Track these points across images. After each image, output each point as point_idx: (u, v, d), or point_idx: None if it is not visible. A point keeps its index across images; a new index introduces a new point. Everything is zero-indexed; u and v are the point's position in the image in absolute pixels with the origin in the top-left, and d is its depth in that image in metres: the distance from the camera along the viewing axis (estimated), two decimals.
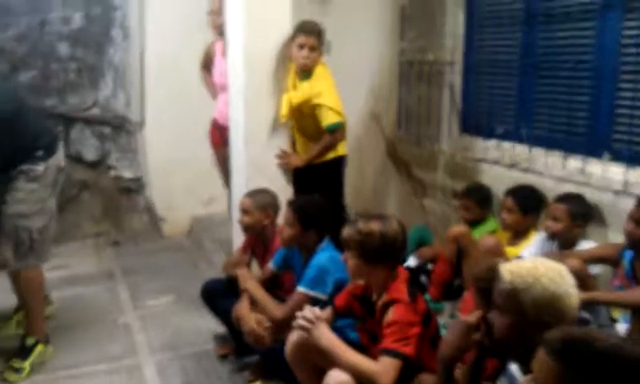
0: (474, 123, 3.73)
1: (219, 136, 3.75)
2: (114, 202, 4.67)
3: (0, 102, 2.54)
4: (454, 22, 3.77)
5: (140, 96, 4.44)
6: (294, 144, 3.26)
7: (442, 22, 3.83)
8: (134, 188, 4.72)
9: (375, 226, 1.96)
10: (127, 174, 4.72)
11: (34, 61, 5.00)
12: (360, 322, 2.17)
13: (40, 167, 2.63)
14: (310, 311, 1.94)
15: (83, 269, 3.99)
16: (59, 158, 2.77)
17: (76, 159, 4.89)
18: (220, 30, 3.51)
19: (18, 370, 2.66)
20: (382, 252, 1.95)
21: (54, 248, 4.25)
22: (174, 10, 4.25)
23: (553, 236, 2.74)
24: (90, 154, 4.86)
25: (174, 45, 4.28)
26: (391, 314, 1.88)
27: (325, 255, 2.39)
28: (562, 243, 2.71)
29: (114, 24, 4.58)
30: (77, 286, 3.70)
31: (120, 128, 4.69)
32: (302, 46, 2.97)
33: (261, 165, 3.09)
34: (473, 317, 1.62)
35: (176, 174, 4.50)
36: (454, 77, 3.81)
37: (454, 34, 3.78)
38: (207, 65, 3.90)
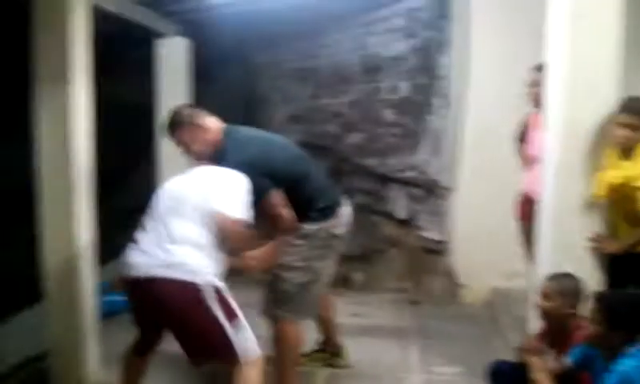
0: None
1: (527, 209, 3.58)
2: (417, 262, 4.83)
3: (295, 164, 2.79)
4: None
5: (453, 162, 4.53)
6: (610, 228, 2.90)
7: None
8: (438, 250, 4.82)
9: None
10: (433, 236, 4.84)
11: (363, 125, 5.57)
12: None
13: (312, 227, 2.74)
14: None
15: (380, 321, 4.19)
16: (335, 224, 2.83)
17: (388, 216, 5.24)
18: (538, 102, 3.39)
19: None
20: None
21: (356, 296, 4.67)
22: (495, 80, 4.27)
23: None
24: (401, 213, 5.15)
25: (491, 115, 4.30)
26: None
27: (632, 363, 2.04)
28: None
29: (437, 93, 4.81)
30: (372, 336, 3.90)
31: (431, 191, 4.87)
32: (624, 125, 2.67)
33: (568, 246, 2.82)
34: None
35: (480, 242, 4.44)
36: None
37: None
38: (523, 136, 3.79)
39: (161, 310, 2.35)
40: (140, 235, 2.43)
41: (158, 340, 2.58)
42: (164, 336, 2.54)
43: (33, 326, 3.22)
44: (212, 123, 2.73)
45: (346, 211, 2.93)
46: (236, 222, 2.35)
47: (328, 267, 2.89)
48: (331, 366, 3.36)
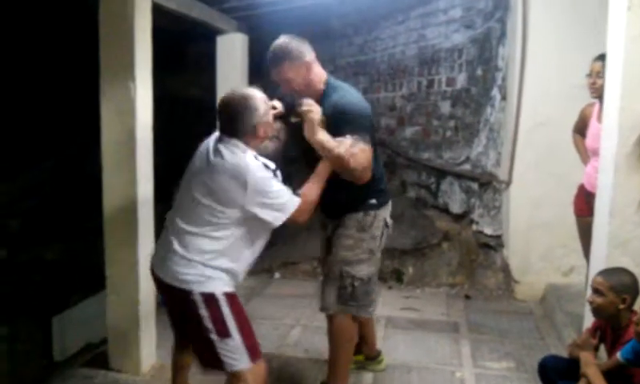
0: None
1: (585, 203, 3.49)
2: (471, 256, 4.79)
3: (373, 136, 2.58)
4: None
5: (510, 155, 4.46)
6: None
7: None
8: (492, 245, 4.75)
9: None
10: (488, 230, 4.78)
11: (418, 117, 5.56)
12: None
13: (369, 217, 2.64)
14: None
15: (432, 315, 4.17)
16: (387, 213, 2.74)
17: (443, 210, 5.22)
18: (598, 93, 3.30)
19: None
20: None
21: (409, 290, 4.68)
22: (555, 71, 4.16)
23: None
24: (455, 207, 5.11)
25: (549, 106, 4.20)
26: None
27: None
28: None
29: (494, 85, 4.74)
30: (424, 330, 3.89)
31: (487, 185, 4.80)
32: None
33: (625, 240, 2.75)
34: None
35: (536, 237, 4.36)
36: None
37: None
38: (581, 128, 3.69)
39: (175, 313, 2.39)
40: (169, 215, 2.37)
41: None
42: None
43: (97, 311, 3.41)
44: (318, 68, 2.60)
45: (391, 202, 2.85)
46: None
47: (380, 258, 2.81)
48: (364, 369, 3.25)
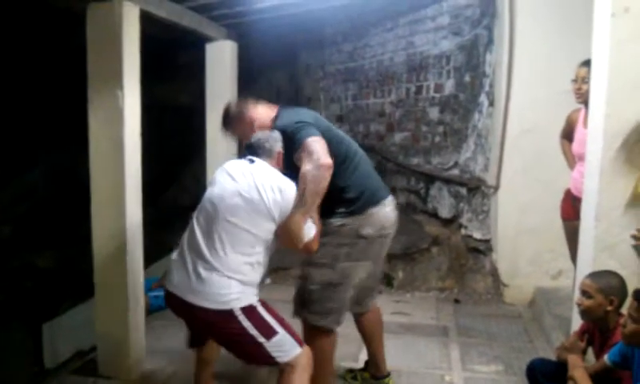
0: None
1: (571, 207, 3.53)
2: (460, 261, 4.82)
3: (340, 143, 2.64)
4: None
5: (498, 161, 4.50)
6: None
7: None
8: (481, 249, 4.79)
9: None
10: (477, 234, 4.82)
11: (407, 123, 5.59)
12: None
13: (335, 222, 2.59)
14: None
15: (422, 319, 4.20)
16: (362, 223, 2.61)
17: (432, 215, 5.25)
18: (583, 98, 3.35)
19: None
20: None
21: (399, 295, 4.70)
22: (541, 77, 4.21)
23: None
24: (444, 211, 5.15)
25: (536, 113, 4.25)
26: None
27: None
28: None
29: (482, 91, 4.78)
30: (413, 334, 3.92)
31: (475, 190, 4.85)
32: None
33: (611, 244, 2.78)
34: None
35: (524, 241, 4.40)
36: None
37: None
38: (568, 134, 3.73)
39: (202, 330, 2.48)
40: (185, 241, 2.41)
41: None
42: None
43: (87, 318, 3.41)
44: (261, 110, 2.74)
45: (382, 213, 2.68)
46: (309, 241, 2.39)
47: (359, 270, 2.67)
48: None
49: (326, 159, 2.35)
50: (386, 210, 2.71)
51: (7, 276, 3.61)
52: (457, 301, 4.59)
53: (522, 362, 3.13)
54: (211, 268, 2.28)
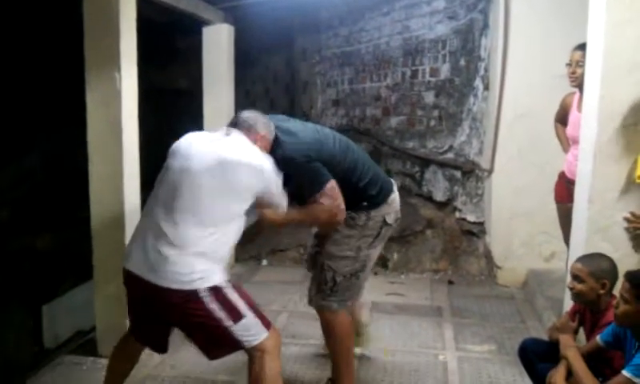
0: None
1: (565, 190, 3.57)
2: (454, 243, 4.88)
3: (347, 154, 2.63)
4: None
5: (492, 144, 4.54)
6: None
7: None
8: (475, 232, 4.85)
9: None
10: (471, 217, 4.87)
11: (403, 107, 5.62)
12: None
13: (362, 216, 2.65)
14: None
15: (416, 300, 4.26)
16: (387, 211, 2.71)
17: (426, 198, 5.29)
18: (578, 82, 3.37)
19: None
20: None
21: (394, 276, 4.76)
22: (536, 61, 4.24)
23: None
24: (439, 195, 5.20)
25: (531, 97, 4.28)
26: None
27: None
28: None
29: (477, 75, 4.81)
30: (408, 314, 3.98)
31: (470, 173, 4.89)
32: None
33: (604, 226, 2.83)
34: None
35: (518, 224, 4.46)
36: None
37: None
38: (562, 117, 3.77)
39: (162, 313, 2.23)
40: (143, 215, 2.29)
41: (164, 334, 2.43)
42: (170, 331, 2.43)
43: (86, 299, 3.45)
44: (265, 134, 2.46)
45: (397, 197, 2.81)
46: (283, 213, 2.40)
47: (376, 254, 2.82)
48: None
49: (343, 206, 2.50)
50: (397, 194, 2.83)
51: (6, 258, 3.63)
52: (451, 282, 4.65)
53: (515, 341, 3.19)
54: (171, 245, 2.10)
